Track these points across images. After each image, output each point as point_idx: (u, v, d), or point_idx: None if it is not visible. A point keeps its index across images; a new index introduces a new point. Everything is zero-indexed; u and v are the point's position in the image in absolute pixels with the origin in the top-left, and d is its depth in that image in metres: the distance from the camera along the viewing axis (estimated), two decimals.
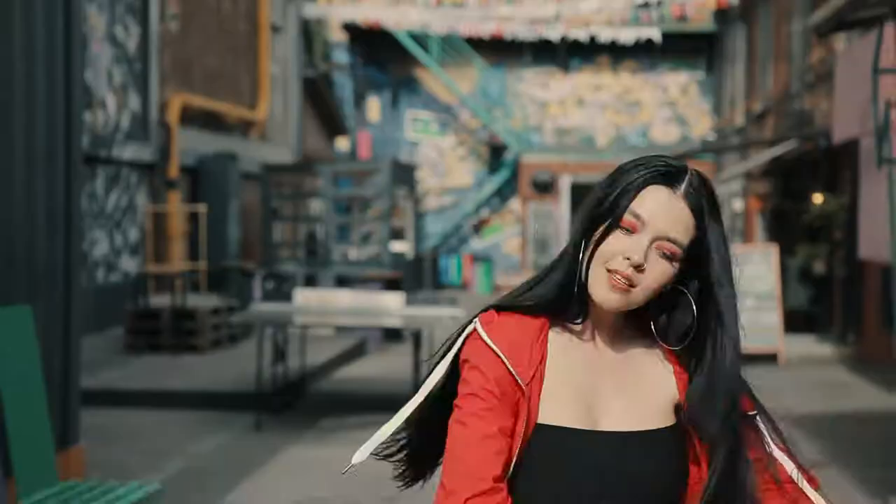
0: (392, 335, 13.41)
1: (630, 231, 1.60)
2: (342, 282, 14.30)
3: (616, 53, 26.24)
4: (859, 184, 11.53)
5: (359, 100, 26.53)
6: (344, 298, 9.32)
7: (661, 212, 1.61)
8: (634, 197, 1.61)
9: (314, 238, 17.09)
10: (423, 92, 26.61)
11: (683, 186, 1.62)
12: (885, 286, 10.03)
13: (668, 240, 1.60)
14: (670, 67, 26.34)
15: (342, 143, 25.64)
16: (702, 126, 26.12)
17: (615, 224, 1.61)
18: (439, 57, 25.77)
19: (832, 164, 14.30)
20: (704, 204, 1.63)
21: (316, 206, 17.12)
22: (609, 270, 1.61)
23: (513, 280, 20.65)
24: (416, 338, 8.69)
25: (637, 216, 1.60)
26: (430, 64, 25.51)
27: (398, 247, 18.99)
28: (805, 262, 14.57)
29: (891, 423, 8.44)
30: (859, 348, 12.67)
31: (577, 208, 1.71)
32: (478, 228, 26.58)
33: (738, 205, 21.55)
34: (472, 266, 25.79)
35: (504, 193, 26.45)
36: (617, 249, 1.60)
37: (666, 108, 26.36)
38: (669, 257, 1.61)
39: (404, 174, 18.06)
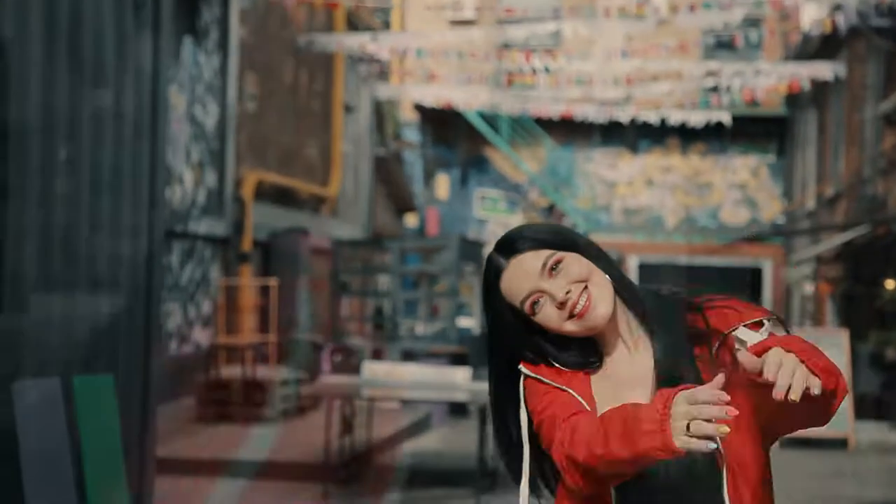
0: (458, 409, 13.43)
1: (537, 302, 1.91)
2: (409, 356, 14.39)
3: (686, 136, 26.29)
4: None
5: (428, 178, 26.87)
6: (411, 372, 9.40)
7: (519, 279, 1.92)
8: (506, 297, 1.93)
9: (382, 312, 17.25)
10: (491, 171, 26.87)
11: (504, 256, 1.95)
12: None
13: (542, 268, 1.90)
14: (740, 151, 26.32)
15: (411, 220, 25.93)
16: (772, 209, 25.99)
17: (526, 322, 1.93)
18: (508, 136, 26.07)
19: None
20: (525, 236, 1.95)
21: (384, 281, 17.30)
22: (570, 318, 1.89)
23: None
24: (482, 413, 8.73)
25: (524, 300, 1.91)
26: (499, 143, 25.80)
27: (465, 322, 19.06)
28: (877, 348, 14.38)
29: None
30: None
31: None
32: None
33: (808, 288, 21.34)
34: None
35: None
36: (553, 315, 1.90)
37: (736, 191, 26.28)
38: (558, 263, 1.91)
39: (472, 251, 18.21)
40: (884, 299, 13.96)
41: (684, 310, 1.94)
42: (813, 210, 21.43)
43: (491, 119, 25.77)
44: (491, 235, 26.47)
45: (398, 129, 25.47)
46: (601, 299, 1.89)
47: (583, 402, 1.88)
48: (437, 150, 26.81)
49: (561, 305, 1.89)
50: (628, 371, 1.92)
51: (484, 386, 9.11)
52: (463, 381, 9.17)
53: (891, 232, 13.90)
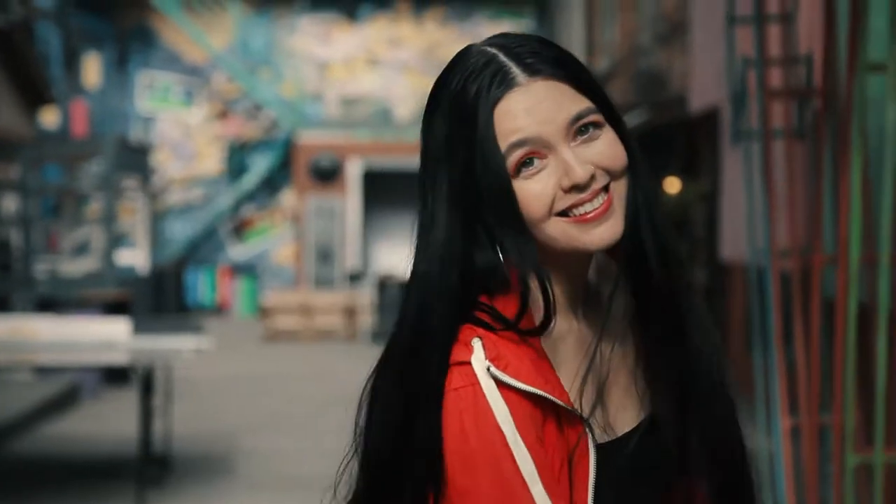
0: (115, 376, 13.24)
1: (530, 163, 1.59)
2: (47, 305, 14.01)
3: None
4: (722, 165, 12.08)
5: (71, 58, 25.93)
6: (46, 328, 9.16)
7: (532, 116, 1.58)
8: (494, 133, 1.59)
9: (7, 248, 16.63)
10: (161, 47, 26.24)
11: (518, 72, 1.60)
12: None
13: (574, 119, 1.59)
14: (489, 16, 26.86)
15: (48, 117, 24.99)
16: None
17: (506, 174, 1.59)
18: (183, 1, 25.47)
19: (690, 139, 14.90)
20: (555, 57, 1.61)
21: (9, 203, 16.68)
22: (562, 213, 1.59)
23: (286, 299, 20.60)
24: (147, 379, 8.57)
25: (520, 144, 1.58)
26: (169, 9, 25.18)
27: (126, 258, 18.68)
28: None
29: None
30: None
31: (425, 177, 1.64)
32: (238, 231, 26.40)
33: None
34: (230, 282, 25.57)
35: (273, 184, 26.37)
36: (546, 191, 1.58)
37: None
38: (594, 125, 1.60)
39: (135, 159, 17.77)
40: (666, 204, 14.66)
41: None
42: None
43: None
44: (161, 137, 25.93)
45: None
46: (621, 212, 1.60)
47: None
48: (83, 20, 25.84)
49: (573, 188, 1.57)
50: (572, 341, 1.66)
51: (151, 342, 9.00)
52: (121, 338, 9.00)
53: (674, 116, 14.56)
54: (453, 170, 1.61)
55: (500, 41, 1.64)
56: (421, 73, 26.82)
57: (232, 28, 26.24)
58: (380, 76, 26.84)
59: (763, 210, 5.72)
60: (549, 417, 1.56)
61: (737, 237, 10.79)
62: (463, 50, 1.66)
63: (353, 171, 25.44)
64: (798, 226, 5.86)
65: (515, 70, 1.60)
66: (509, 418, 1.52)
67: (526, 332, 1.58)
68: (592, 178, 1.57)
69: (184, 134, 26.32)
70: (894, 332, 4.93)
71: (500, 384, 1.53)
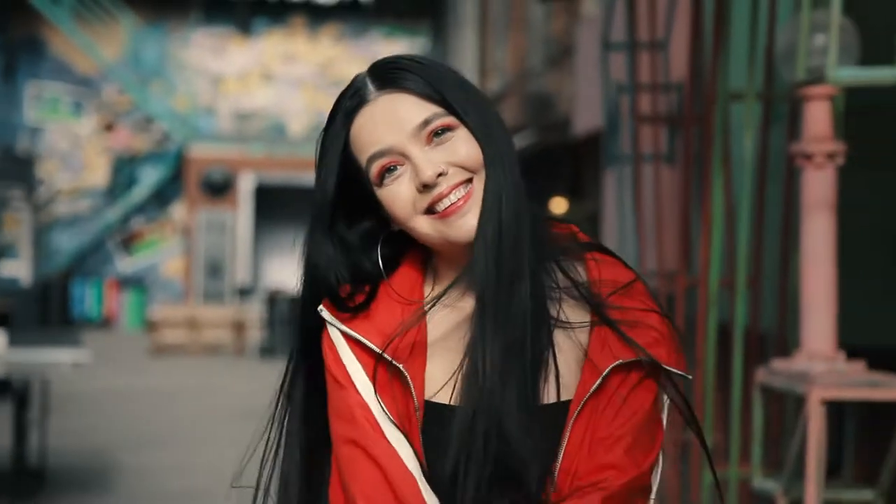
0: None
1: (393, 169, 1.74)
2: None
3: (314, 14, 26.54)
4: (603, 188, 12.26)
5: None
6: None
7: (383, 125, 1.73)
8: (353, 147, 1.76)
9: None
10: (50, 58, 25.89)
11: (370, 89, 1.76)
12: None
13: (421, 125, 1.73)
14: (385, 34, 26.93)
15: None
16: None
17: (370, 183, 1.76)
18: (74, 11, 25.18)
19: (576, 161, 15.10)
20: (403, 70, 1.75)
21: None
22: (427, 210, 1.73)
23: (174, 312, 20.45)
24: (22, 394, 8.47)
25: (376, 155, 1.74)
26: (60, 19, 24.88)
27: (8, 269, 18.42)
28: None
29: None
30: None
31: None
32: (127, 244, 26.13)
33: None
34: (117, 295, 25.28)
35: (164, 197, 26.15)
36: (405, 195, 1.73)
37: None
38: (447, 129, 1.73)
39: (19, 169, 17.57)
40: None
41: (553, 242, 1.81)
42: None
43: None
44: (50, 148, 25.59)
45: None
46: (479, 183, 1.73)
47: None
48: None
49: (425, 188, 1.71)
50: (449, 317, 1.80)
51: (27, 355, 8.87)
52: None
53: (561, 138, 14.75)
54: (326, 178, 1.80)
55: (376, 62, 1.80)
56: (315, 89, 26.79)
57: (124, 39, 26.00)
58: (274, 91, 26.77)
59: (632, 232, 5.86)
60: (386, 369, 1.77)
61: None
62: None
63: (246, 186, 25.34)
64: (666, 248, 6.01)
65: (368, 87, 1.76)
66: (350, 355, 1.78)
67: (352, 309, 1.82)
68: (441, 175, 1.71)
69: (73, 145, 26.00)
70: (749, 352, 5.08)
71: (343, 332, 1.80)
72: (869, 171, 5.33)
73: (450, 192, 1.72)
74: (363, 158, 1.75)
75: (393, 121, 1.73)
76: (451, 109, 1.74)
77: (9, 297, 15.00)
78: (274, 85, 26.77)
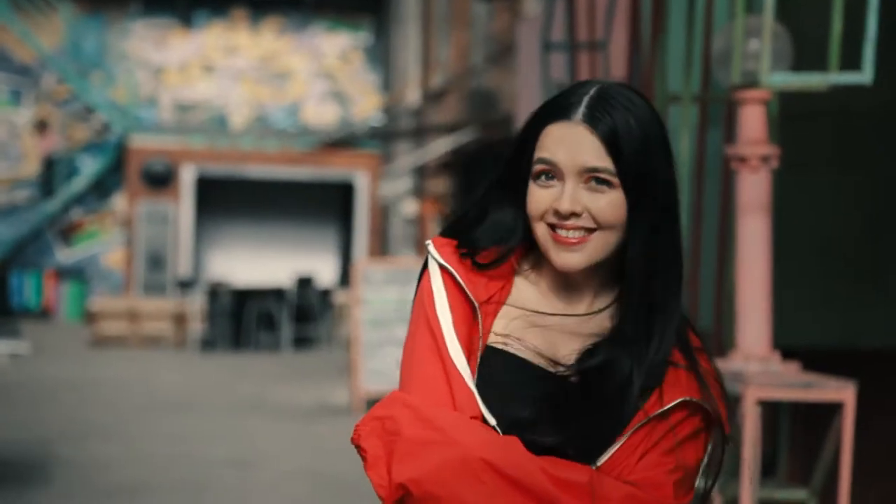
0: None
1: (550, 177, 1.97)
2: None
3: (255, 6, 26.45)
4: None
5: None
6: None
7: (564, 146, 1.96)
8: (537, 141, 1.98)
9: None
10: None
11: (580, 111, 1.96)
12: None
13: (589, 170, 1.95)
14: (327, 27, 26.88)
15: None
16: (367, 105, 26.85)
17: (529, 175, 1.99)
18: (11, 0, 24.99)
19: None
20: (615, 119, 1.95)
21: None
22: (550, 226, 1.97)
23: (115, 304, 20.31)
24: None
25: (544, 160, 1.97)
26: None
27: None
28: None
29: None
30: None
31: None
32: (66, 235, 25.93)
33: (410, 208, 22.34)
34: (56, 286, 25.09)
35: (104, 188, 25.96)
36: (543, 201, 1.97)
37: (322, 81, 26.86)
38: (606, 183, 1.95)
39: None
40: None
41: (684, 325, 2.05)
42: (417, 107, 22.37)
43: None
44: None
45: None
46: (589, 253, 1.97)
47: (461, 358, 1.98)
48: None
49: (556, 214, 1.96)
50: (566, 323, 2.03)
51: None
52: None
53: (503, 135, 14.79)
54: (511, 158, 2.05)
55: (603, 91, 2.00)
56: (257, 82, 26.70)
57: (62, 29, 25.79)
58: (215, 83, 26.64)
59: None
60: (472, 310, 2.01)
61: None
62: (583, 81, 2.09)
63: (187, 178, 25.22)
64: None
65: (579, 109, 1.97)
66: (440, 283, 2.02)
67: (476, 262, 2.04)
68: (574, 214, 1.95)
69: (10, 134, 25.77)
70: None
71: (442, 267, 2.03)
72: (803, 176, 5.40)
73: (571, 229, 1.96)
74: (538, 153, 1.97)
75: (574, 150, 1.95)
76: (622, 174, 1.95)
77: None
78: (215, 77, 26.65)
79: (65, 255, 25.88)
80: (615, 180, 1.94)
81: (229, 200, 25.99)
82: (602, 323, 2.04)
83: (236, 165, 25.25)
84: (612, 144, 1.94)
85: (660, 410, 1.95)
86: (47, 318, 24.63)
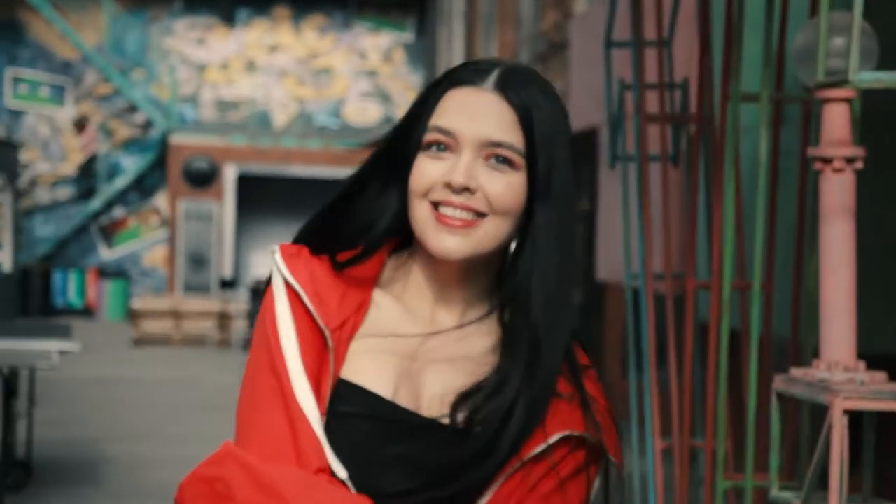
0: None
1: (442, 149, 1.69)
2: None
3: (298, 4, 26.44)
4: (598, 186, 12.23)
5: None
6: None
7: (467, 114, 1.69)
8: (434, 108, 1.72)
9: None
10: (30, 43, 25.75)
11: (492, 79, 1.71)
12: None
13: (493, 143, 1.68)
14: (369, 28, 26.85)
15: None
16: (400, 104, 26.80)
17: (419, 145, 1.71)
18: None
19: None
20: (531, 95, 1.71)
21: None
22: (434, 204, 1.69)
23: (158, 303, 20.32)
24: (9, 382, 8.40)
25: (441, 129, 1.70)
26: (40, 5, 24.74)
27: None
28: None
29: None
30: None
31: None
32: (108, 233, 26.01)
33: None
34: (98, 284, 25.16)
35: (146, 186, 26.03)
36: (430, 174, 1.69)
37: (364, 79, 26.84)
38: (509, 163, 1.69)
39: (1, 155, 17.43)
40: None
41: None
42: None
43: None
44: (30, 134, 25.45)
45: None
46: (475, 241, 1.69)
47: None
48: None
49: (447, 186, 1.68)
50: (426, 326, 1.77)
51: (14, 344, 8.78)
52: None
53: None
54: (399, 129, 1.76)
55: (520, 67, 1.77)
56: (299, 81, 26.70)
57: (105, 26, 25.87)
58: (257, 81, 26.66)
59: (639, 233, 5.80)
60: (316, 334, 1.72)
61: (612, 259, 10.92)
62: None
63: (229, 176, 25.25)
64: (672, 249, 5.95)
65: (490, 77, 1.72)
66: (286, 304, 1.72)
67: (341, 265, 1.75)
68: (468, 190, 1.67)
69: (52, 132, 25.86)
70: (763, 358, 5.03)
71: (288, 283, 1.73)
72: (879, 177, 5.29)
73: (459, 207, 1.68)
74: (433, 120, 1.71)
75: (478, 118, 1.69)
76: (529, 156, 1.70)
77: None
78: (257, 75, 26.66)
79: (107, 254, 25.96)
80: (519, 161, 1.68)
81: (271, 199, 25.98)
82: (475, 343, 1.76)
83: (278, 164, 25.24)
84: (525, 119, 1.69)
85: (536, 451, 1.69)
86: (90, 317, 24.69)
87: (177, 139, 25.16)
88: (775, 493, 4.07)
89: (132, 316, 20.46)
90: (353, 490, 1.66)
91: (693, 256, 5.41)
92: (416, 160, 1.71)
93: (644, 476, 5.71)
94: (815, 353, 4.21)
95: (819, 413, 4.12)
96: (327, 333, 1.70)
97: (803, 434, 4.54)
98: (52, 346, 8.73)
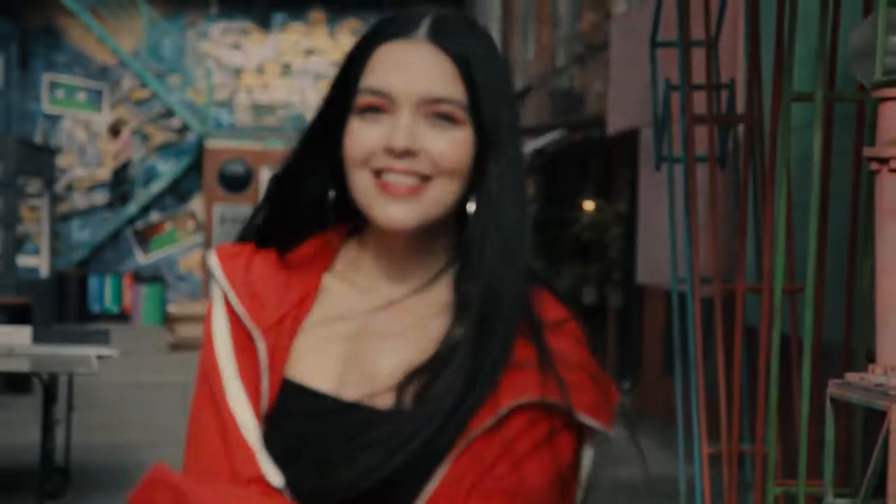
0: (15, 385, 13.01)
1: (377, 111, 1.57)
2: None
3: (333, 8, 26.47)
4: (638, 188, 12.15)
5: None
6: None
7: (401, 70, 1.57)
8: (364, 68, 1.59)
9: None
10: (67, 48, 25.88)
11: (424, 28, 1.59)
12: (669, 321, 10.58)
13: (433, 100, 1.56)
14: None
15: None
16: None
17: (351, 110, 1.59)
18: (91, 1, 25.16)
19: (607, 161, 14.98)
20: (468, 42, 1.59)
21: None
22: (376, 172, 1.57)
23: (194, 308, 20.35)
24: (48, 387, 8.40)
25: (374, 90, 1.57)
26: (77, 10, 24.86)
27: (29, 261, 18.36)
28: (573, 287, 15.17)
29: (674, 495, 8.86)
30: (636, 397, 13.32)
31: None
32: (144, 238, 26.10)
33: None
34: (134, 289, 25.24)
35: (181, 191, 26.11)
36: (369, 141, 1.57)
37: None
38: (450, 119, 1.57)
39: (37, 160, 17.49)
40: (582, 224, 14.71)
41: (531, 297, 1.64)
42: None
43: None
44: (67, 139, 25.57)
45: None
46: (425, 207, 1.57)
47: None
48: None
49: (387, 151, 1.56)
50: (375, 302, 1.64)
51: (53, 349, 8.81)
52: (22, 344, 8.83)
53: (588, 138, 14.63)
54: (328, 97, 1.64)
55: (450, 12, 1.63)
56: None
57: (141, 31, 25.97)
58: (293, 85, 26.71)
59: (686, 235, 5.74)
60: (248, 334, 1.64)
61: (653, 262, 10.83)
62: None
63: (264, 180, 25.27)
64: (718, 252, 5.89)
65: (421, 26, 1.59)
66: (221, 308, 1.66)
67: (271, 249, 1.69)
68: (410, 153, 1.55)
69: (89, 136, 25.99)
70: (815, 363, 4.96)
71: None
72: None
73: (402, 173, 1.56)
74: (364, 81, 1.58)
75: (414, 74, 1.57)
76: (473, 110, 1.58)
77: (28, 292, 14.93)
78: (293, 79, 26.71)
79: (143, 259, 26.04)
80: (462, 115, 1.56)
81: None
82: (427, 311, 1.62)
83: None
84: (464, 69, 1.57)
85: (486, 425, 1.54)
86: (126, 322, 24.76)
87: (212, 143, 25.22)
88: (830, 500, 4.01)
89: (168, 320, 20.50)
90: (289, 497, 1.57)
91: (743, 259, 5.35)
92: (349, 127, 1.59)
93: (691, 481, 5.65)
94: (868, 358, 4.15)
95: (873, 418, 4.05)
96: (256, 334, 1.61)
97: (856, 440, 4.47)
98: (90, 351, 8.76)
